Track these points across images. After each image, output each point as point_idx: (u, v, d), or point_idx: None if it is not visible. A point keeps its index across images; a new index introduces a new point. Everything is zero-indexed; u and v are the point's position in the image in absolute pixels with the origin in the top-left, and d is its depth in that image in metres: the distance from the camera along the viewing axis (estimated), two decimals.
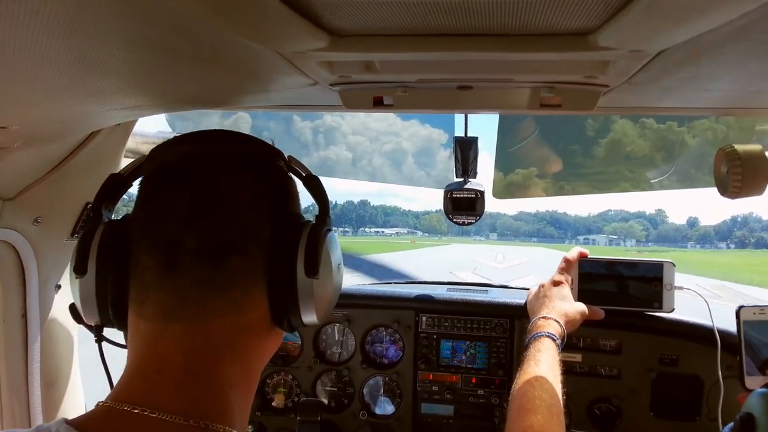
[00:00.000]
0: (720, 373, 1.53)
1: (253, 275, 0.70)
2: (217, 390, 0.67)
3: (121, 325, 0.72)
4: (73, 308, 0.75)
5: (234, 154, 0.75)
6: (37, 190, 1.23)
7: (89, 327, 0.77)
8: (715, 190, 1.36)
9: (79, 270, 0.71)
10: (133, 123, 1.40)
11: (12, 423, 1.30)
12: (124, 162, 1.45)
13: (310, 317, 0.74)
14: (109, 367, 0.85)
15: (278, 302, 0.72)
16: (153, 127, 1.61)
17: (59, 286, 1.38)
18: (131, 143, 1.48)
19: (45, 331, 1.34)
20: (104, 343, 0.82)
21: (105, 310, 0.71)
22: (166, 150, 0.76)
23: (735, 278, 34.29)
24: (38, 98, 0.87)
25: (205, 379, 0.67)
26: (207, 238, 0.68)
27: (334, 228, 0.82)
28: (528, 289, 1.77)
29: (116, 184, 0.79)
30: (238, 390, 0.70)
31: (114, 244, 0.71)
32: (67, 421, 0.63)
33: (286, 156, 0.82)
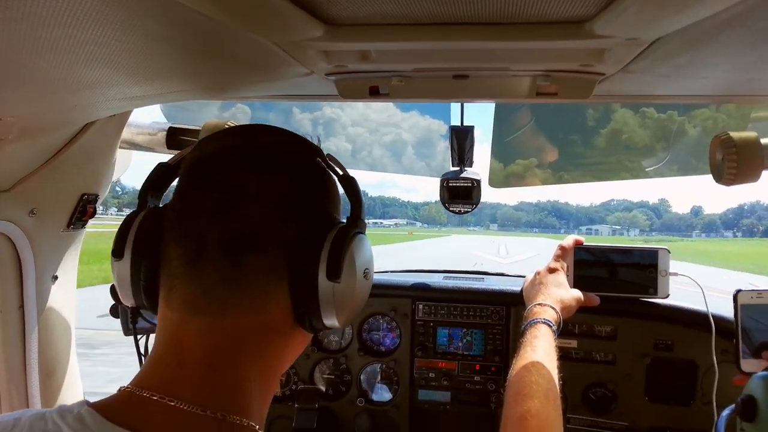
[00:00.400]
0: (715, 357, 1.54)
1: (273, 274, 0.69)
2: (236, 384, 0.68)
3: (155, 310, 0.73)
4: (113, 289, 0.77)
5: (263, 149, 0.74)
6: (32, 181, 1.23)
7: (127, 308, 0.79)
8: None
9: (117, 253, 0.73)
10: (128, 114, 1.39)
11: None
12: (120, 153, 1.45)
13: (331, 321, 0.73)
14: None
15: (300, 303, 0.71)
16: (148, 118, 1.60)
17: (56, 277, 1.39)
18: (126, 134, 1.48)
19: (42, 321, 1.35)
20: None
21: (138, 294, 0.73)
22: (207, 143, 0.76)
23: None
24: (32, 89, 0.86)
25: (224, 374, 0.67)
26: (227, 234, 0.68)
27: None
28: (524, 276, 1.77)
29: (162, 172, 0.79)
30: (257, 385, 0.70)
31: (149, 232, 0.72)
32: (88, 404, 0.64)
33: (325, 153, 0.80)
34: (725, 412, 1.29)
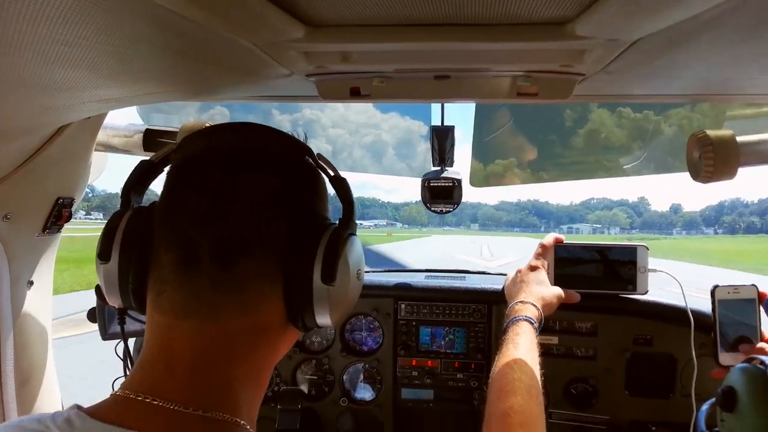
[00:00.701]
0: (693, 351, 1.57)
1: (265, 276, 0.69)
2: (224, 385, 0.68)
3: (143, 311, 0.72)
4: (98, 289, 0.76)
5: (252, 148, 0.73)
6: (6, 185, 1.20)
7: (107, 309, 0.78)
8: None
9: (103, 257, 0.71)
10: (103, 116, 1.37)
11: None
12: (95, 155, 1.42)
13: (324, 320, 0.73)
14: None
15: (294, 306, 0.71)
16: (125, 120, 1.57)
17: (31, 283, 1.35)
18: (102, 137, 1.45)
19: (17, 327, 1.31)
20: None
21: (126, 296, 0.72)
22: (191, 141, 0.75)
23: None
24: (2, 92, 0.84)
25: (213, 376, 0.67)
26: (218, 239, 0.67)
27: None
28: (505, 274, 1.78)
29: (145, 170, 0.78)
30: (247, 385, 0.71)
31: (137, 234, 0.71)
32: (78, 407, 0.65)
33: (315, 153, 0.79)
34: (705, 406, 1.31)
